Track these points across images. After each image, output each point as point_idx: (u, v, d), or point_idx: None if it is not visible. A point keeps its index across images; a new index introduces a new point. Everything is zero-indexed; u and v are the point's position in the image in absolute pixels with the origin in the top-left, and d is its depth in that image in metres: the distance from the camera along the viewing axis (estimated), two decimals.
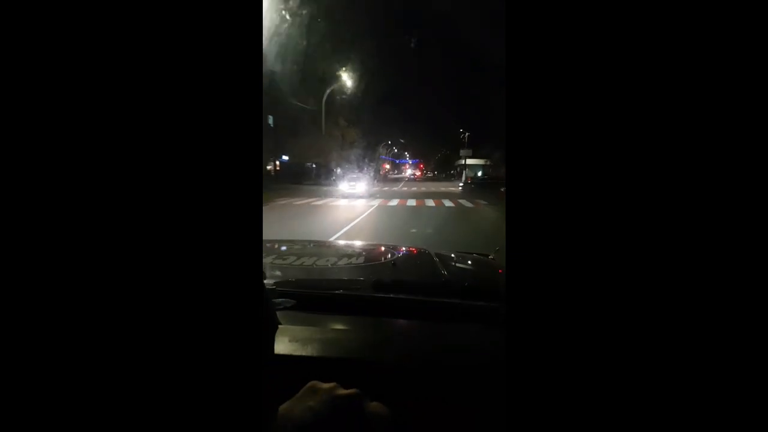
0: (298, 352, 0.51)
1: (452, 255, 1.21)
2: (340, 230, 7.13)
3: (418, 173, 72.76)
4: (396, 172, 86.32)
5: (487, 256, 1.23)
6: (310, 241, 1.52)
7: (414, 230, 7.14)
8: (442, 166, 55.93)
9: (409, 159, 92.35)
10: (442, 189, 19.69)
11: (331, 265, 0.98)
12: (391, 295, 0.71)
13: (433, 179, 43.17)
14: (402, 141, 78.14)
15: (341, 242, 1.81)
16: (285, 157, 24.71)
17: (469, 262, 1.20)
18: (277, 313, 0.58)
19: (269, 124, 20.02)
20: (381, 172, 61.99)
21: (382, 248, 1.24)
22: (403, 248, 1.30)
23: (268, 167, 22.68)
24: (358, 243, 1.47)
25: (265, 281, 0.56)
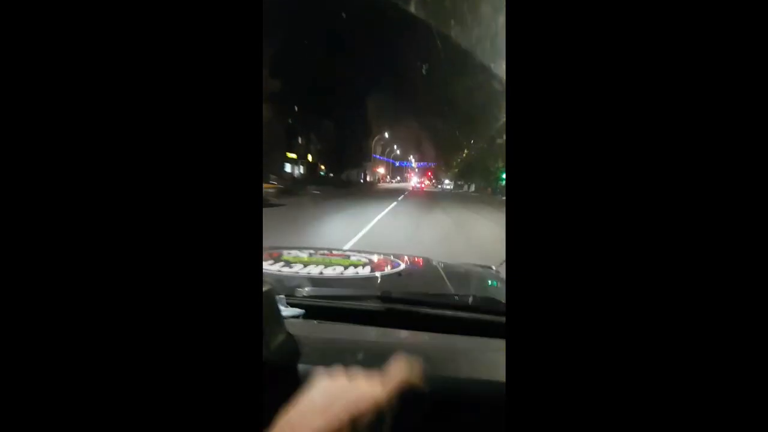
0: (304, 362, 0.52)
1: (457, 266, 1.26)
2: None
3: (425, 182, 51.96)
4: (398, 178, 65.98)
5: (491, 268, 1.25)
6: (317, 249, 1.31)
7: None
8: (468, 171, 32.59)
9: (415, 162, 71.69)
10: None
11: (339, 274, 0.98)
12: (400, 307, 0.72)
13: (456, 196, 22.27)
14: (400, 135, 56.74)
15: (348, 251, 1.75)
16: None
17: (473, 273, 1.24)
18: (286, 323, 0.58)
19: None
20: (369, 178, 41.89)
21: (389, 258, 1.25)
22: (407, 258, 1.29)
23: None
24: (364, 252, 1.33)
25: (268, 289, 0.53)
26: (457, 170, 36.83)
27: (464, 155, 34.02)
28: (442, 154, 47.66)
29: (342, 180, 31.41)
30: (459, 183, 35.94)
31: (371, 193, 19.43)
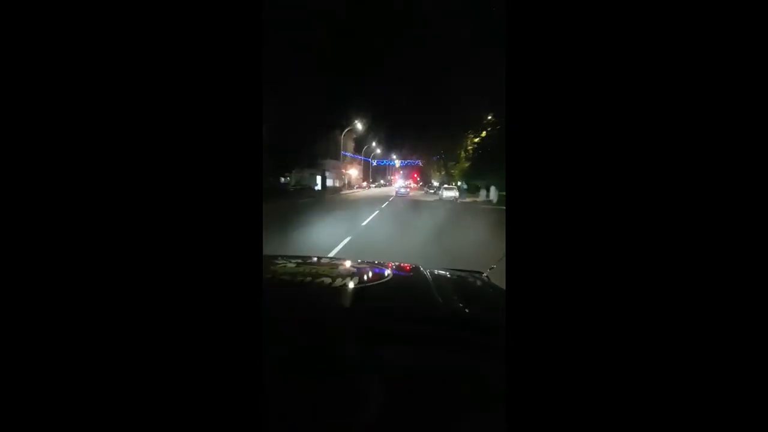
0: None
1: (446, 274, 1.25)
2: None
3: (411, 185, 40.89)
4: (381, 182, 54.72)
5: (481, 273, 1.23)
6: (304, 258, 1.30)
7: None
8: (485, 166, 19.25)
9: (397, 161, 60.14)
10: None
11: (323, 286, 0.97)
12: (384, 325, 0.69)
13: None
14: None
15: (335, 258, 1.69)
16: None
17: (463, 281, 1.21)
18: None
19: None
20: (336, 183, 30.24)
21: (374, 267, 1.25)
22: (396, 266, 1.28)
23: None
24: (347, 261, 1.31)
25: None
26: (467, 165, 21.12)
27: (477, 140, 20.71)
28: (435, 146, 35.62)
29: (286, 187, 20.07)
30: (465, 187, 20.17)
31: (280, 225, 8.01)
